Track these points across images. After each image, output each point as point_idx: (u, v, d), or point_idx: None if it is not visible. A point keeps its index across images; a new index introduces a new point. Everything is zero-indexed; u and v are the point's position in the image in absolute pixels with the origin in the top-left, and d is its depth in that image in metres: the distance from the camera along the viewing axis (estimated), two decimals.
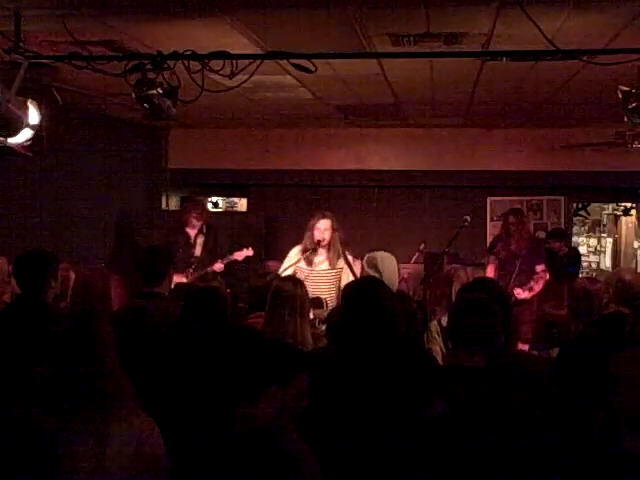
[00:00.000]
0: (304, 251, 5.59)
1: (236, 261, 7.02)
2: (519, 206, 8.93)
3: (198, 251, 7.02)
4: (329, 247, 5.58)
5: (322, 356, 3.05)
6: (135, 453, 2.23)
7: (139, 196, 8.65)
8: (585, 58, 3.96)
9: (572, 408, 3.19)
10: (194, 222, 6.99)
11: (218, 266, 6.86)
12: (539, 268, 6.58)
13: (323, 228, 5.57)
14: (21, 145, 4.03)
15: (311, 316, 4.94)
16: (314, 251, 5.57)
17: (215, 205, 11.60)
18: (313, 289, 5.38)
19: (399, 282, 5.54)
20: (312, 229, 5.58)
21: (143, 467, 2.23)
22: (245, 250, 7.06)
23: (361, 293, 3.06)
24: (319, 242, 5.56)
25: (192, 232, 7.03)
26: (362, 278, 4.52)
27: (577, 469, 2.35)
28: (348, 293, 3.17)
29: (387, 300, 3.02)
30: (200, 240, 7.05)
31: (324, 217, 5.61)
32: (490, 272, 6.76)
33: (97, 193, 7.66)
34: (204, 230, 7.09)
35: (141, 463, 2.23)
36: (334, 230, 5.60)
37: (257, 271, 6.98)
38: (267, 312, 3.82)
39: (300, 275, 5.30)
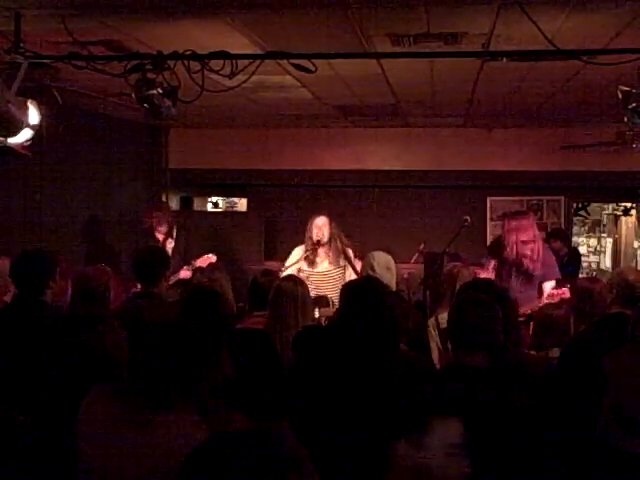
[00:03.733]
0: (307, 252, 5.62)
1: (201, 267, 6.66)
2: (519, 206, 8.95)
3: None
4: (329, 245, 5.61)
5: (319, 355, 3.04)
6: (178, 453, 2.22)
7: (139, 196, 8.65)
8: (585, 58, 3.96)
9: (573, 408, 3.19)
10: (157, 227, 6.73)
11: (184, 273, 6.54)
12: (548, 286, 5.10)
13: (321, 224, 5.60)
14: (21, 145, 4.03)
15: (316, 315, 4.99)
16: (314, 251, 5.59)
17: (215, 205, 11.60)
18: (317, 289, 5.43)
19: (400, 282, 5.55)
20: (310, 229, 5.62)
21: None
22: (207, 257, 6.73)
23: (358, 293, 3.06)
24: (318, 242, 5.58)
25: (160, 237, 6.76)
26: (359, 278, 4.52)
27: (577, 468, 2.36)
28: (345, 293, 3.17)
29: (384, 299, 3.03)
30: (170, 245, 6.76)
31: (320, 214, 5.65)
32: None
33: (97, 193, 7.66)
34: (173, 234, 6.84)
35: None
36: (332, 228, 5.62)
37: (258, 271, 6.94)
38: (269, 312, 3.82)
39: (302, 276, 5.33)
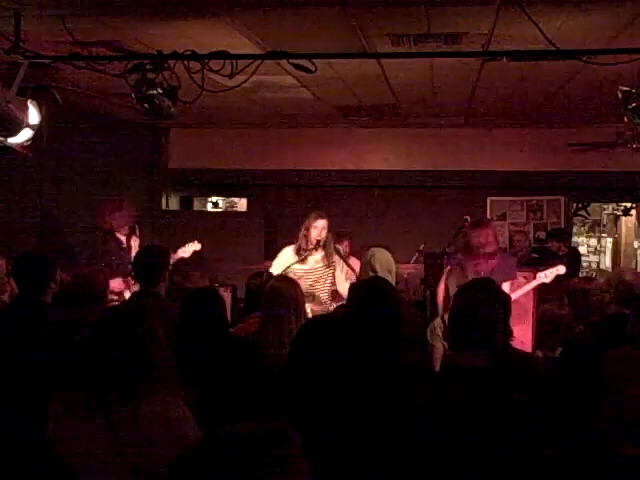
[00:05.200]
0: (300, 251, 5.61)
1: (183, 259, 6.32)
2: (519, 206, 8.97)
3: (134, 253, 5.91)
4: (324, 246, 5.64)
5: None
6: (165, 435, 2.28)
7: (139, 196, 8.65)
8: (585, 58, 3.96)
9: (572, 408, 3.19)
10: (117, 228, 6.35)
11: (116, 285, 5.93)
12: (505, 287, 5.39)
13: (321, 227, 5.62)
14: (21, 145, 4.03)
15: (308, 310, 5.02)
16: (314, 250, 5.61)
17: (215, 205, 11.59)
18: (308, 288, 5.45)
19: (400, 282, 5.56)
20: (309, 228, 5.62)
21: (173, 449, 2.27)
22: (190, 244, 6.35)
23: (368, 293, 3.07)
24: (318, 242, 5.59)
25: (123, 236, 6.36)
26: (369, 278, 4.51)
27: (577, 469, 2.36)
28: (354, 292, 3.18)
29: (393, 300, 3.04)
30: (135, 243, 6.39)
31: (321, 217, 5.67)
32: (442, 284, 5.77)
33: (97, 193, 7.65)
34: (137, 232, 6.51)
35: (171, 444, 2.27)
36: (328, 230, 5.67)
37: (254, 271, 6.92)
38: (263, 313, 3.80)
39: (293, 276, 5.35)
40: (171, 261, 6.08)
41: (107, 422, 2.28)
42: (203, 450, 1.22)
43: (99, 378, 2.37)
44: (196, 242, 6.39)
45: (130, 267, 5.74)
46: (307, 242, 5.58)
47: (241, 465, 1.17)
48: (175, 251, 6.20)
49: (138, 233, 6.60)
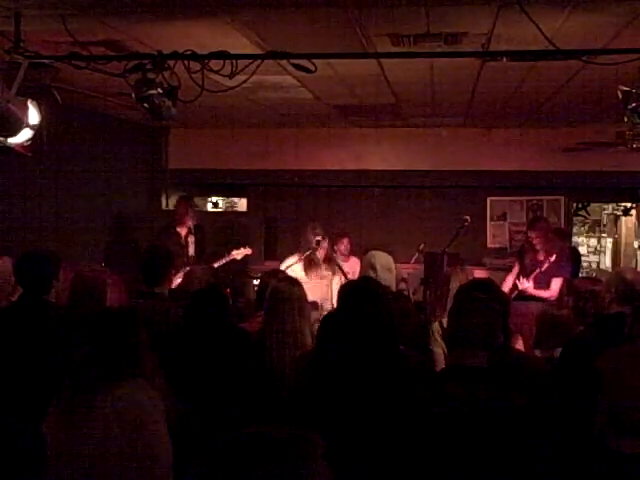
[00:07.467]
0: (305, 258, 5.74)
1: (235, 260, 7.02)
2: (519, 206, 8.96)
3: (192, 250, 7.08)
4: (326, 258, 5.79)
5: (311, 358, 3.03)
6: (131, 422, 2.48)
7: (139, 196, 8.65)
8: (585, 58, 3.96)
9: (572, 408, 3.19)
10: (189, 221, 7.07)
11: (216, 266, 6.78)
12: (555, 282, 6.29)
13: (320, 230, 5.77)
14: (21, 145, 4.02)
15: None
16: (314, 257, 5.71)
17: (215, 205, 11.60)
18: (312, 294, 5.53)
19: (399, 282, 5.56)
20: (310, 235, 5.75)
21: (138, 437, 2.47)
22: (243, 249, 7.06)
23: (357, 293, 3.07)
24: (318, 242, 5.68)
25: (183, 231, 7.09)
26: (358, 279, 4.51)
27: (576, 469, 2.35)
28: (344, 294, 3.18)
29: (383, 300, 3.03)
30: (191, 239, 7.12)
31: (314, 222, 5.90)
32: (510, 277, 6.63)
33: (97, 193, 7.66)
34: (192, 230, 7.16)
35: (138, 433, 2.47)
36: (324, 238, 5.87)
37: (256, 271, 7.01)
38: (266, 312, 3.81)
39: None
40: (223, 261, 6.88)
41: (88, 412, 2.38)
42: (231, 449, 1.20)
43: (85, 368, 2.54)
44: (247, 247, 7.13)
45: (185, 261, 6.68)
46: (307, 247, 5.76)
47: (273, 466, 1.16)
48: (229, 251, 7.00)
49: (194, 232, 7.22)
